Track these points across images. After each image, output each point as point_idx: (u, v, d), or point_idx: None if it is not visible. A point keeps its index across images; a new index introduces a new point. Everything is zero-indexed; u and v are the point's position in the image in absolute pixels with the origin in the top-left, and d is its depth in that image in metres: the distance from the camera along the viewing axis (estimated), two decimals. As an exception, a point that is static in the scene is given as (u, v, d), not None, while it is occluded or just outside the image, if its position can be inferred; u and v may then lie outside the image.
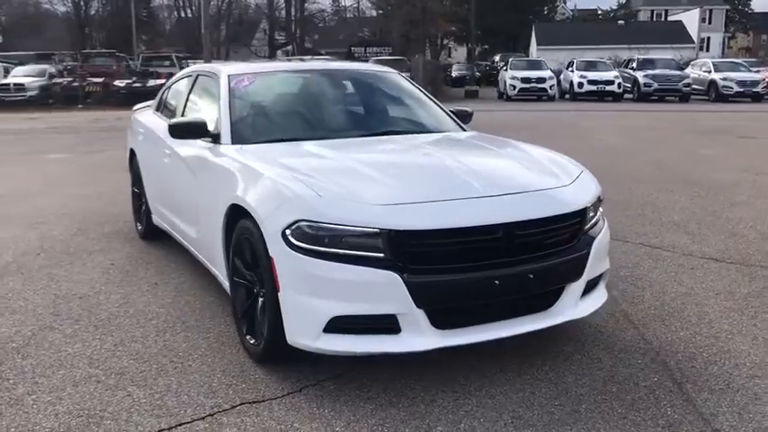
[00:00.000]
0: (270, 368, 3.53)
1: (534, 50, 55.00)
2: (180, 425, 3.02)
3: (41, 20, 67.45)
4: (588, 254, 3.53)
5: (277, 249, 3.21)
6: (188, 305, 4.50)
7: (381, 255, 3.09)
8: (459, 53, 63.11)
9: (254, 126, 4.42)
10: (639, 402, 3.19)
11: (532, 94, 27.56)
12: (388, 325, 3.14)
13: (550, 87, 27.75)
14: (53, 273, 5.25)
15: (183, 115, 5.08)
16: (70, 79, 31.13)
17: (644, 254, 5.61)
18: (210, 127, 4.31)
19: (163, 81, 29.91)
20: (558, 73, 30.64)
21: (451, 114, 4.96)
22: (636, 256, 5.53)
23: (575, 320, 3.65)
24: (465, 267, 3.19)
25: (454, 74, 42.66)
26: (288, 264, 3.18)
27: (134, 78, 30.73)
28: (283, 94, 4.88)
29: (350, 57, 39.30)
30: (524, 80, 27.59)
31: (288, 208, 3.23)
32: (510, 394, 3.27)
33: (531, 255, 3.33)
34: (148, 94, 28.95)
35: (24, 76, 31.87)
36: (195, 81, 5.15)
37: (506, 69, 29.37)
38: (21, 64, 34.34)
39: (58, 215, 7.29)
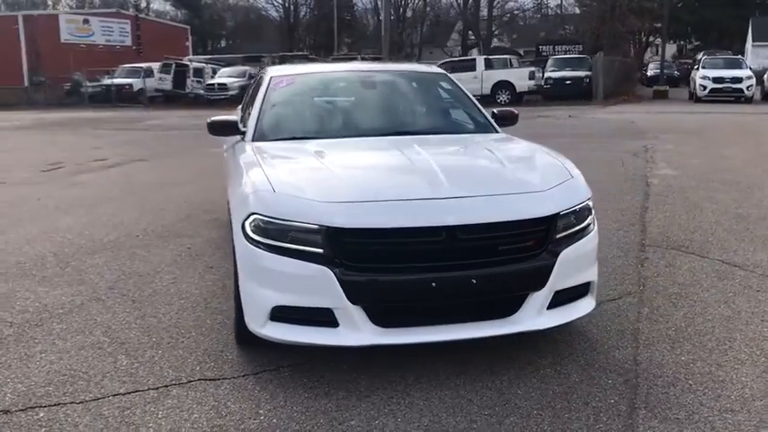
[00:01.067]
0: (245, 351, 3.77)
1: (750, 47, 50.33)
2: (135, 392, 3.37)
3: (260, 25, 73.59)
4: (553, 264, 3.37)
5: (238, 240, 3.46)
6: (222, 289, 4.87)
7: (321, 251, 3.22)
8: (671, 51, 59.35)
9: (275, 124, 4.69)
10: (574, 422, 3.03)
11: (726, 95, 25.30)
12: (326, 318, 3.26)
13: (747, 88, 25.31)
14: (136, 252, 5.90)
15: (243, 112, 5.48)
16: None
17: (714, 271, 5.15)
18: (242, 125, 4.66)
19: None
20: (762, 72, 27.92)
21: (486, 117, 4.89)
22: (703, 273, 5.10)
23: (553, 331, 3.55)
24: (401, 268, 3.22)
25: (649, 73, 40.51)
26: (245, 254, 3.41)
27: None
28: (311, 95, 5.12)
29: (537, 55, 38.55)
30: (716, 80, 25.41)
31: (247, 202, 3.46)
32: (447, 399, 3.25)
33: (477, 260, 3.26)
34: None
35: (228, 76, 34.97)
36: (258, 82, 5.53)
37: (698, 68, 27.25)
38: (228, 65, 37.65)
39: (181, 202, 8.08)
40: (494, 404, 3.20)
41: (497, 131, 4.80)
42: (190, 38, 49.99)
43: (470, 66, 27.92)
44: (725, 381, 3.40)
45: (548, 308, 3.47)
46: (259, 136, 4.53)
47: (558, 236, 3.45)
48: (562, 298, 3.52)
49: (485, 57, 30.03)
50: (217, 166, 10.99)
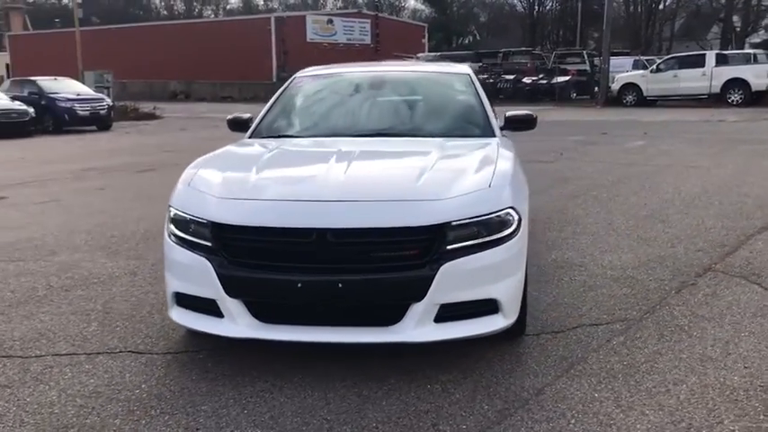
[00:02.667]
0: (190, 332, 4.09)
1: None
2: (71, 354, 3.85)
3: (506, 21, 73.84)
4: (432, 275, 3.24)
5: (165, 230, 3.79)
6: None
7: (209, 244, 3.44)
8: None
9: (274, 122, 4.93)
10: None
11: None
12: (212, 308, 3.47)
13: None
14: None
15: None
16: (485, 76, 33.69)
17: (761, 307, 4.47)
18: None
19: (568, 78, 30.45)
20: None
21: (489, 120, 4.69)
22: (741, 308, 4.43)
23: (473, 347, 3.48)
24: (272, 266, 3.32)
25: None
26: (164, 242, 3.74)
27: (541, 75, 31.85)
28: (319, 95, 5.26)
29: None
30: None
31: (173, 195, 3.78)
32: (309, 399, 3.29)
33: (346, 264, 3.26)
34: (550, 91, 29.96)
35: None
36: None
37: None
38: (455, 62, 38.25)
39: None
40: (353, 410, 3.17)
41: (493, 136, 4.59)
42: (426, 35, 51.57)
43: (698, 61, 25.52)
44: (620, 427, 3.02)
45: (435, 321, 3.33)
46: (255, 133, 4.82)
47: (448, 247, 3.29)
48: (454, 312, 3.36)
49: (717, 51, 27.27)
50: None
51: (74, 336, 4.12)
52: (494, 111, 4.94)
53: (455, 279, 3.28)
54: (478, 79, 5.11)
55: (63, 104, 20.80)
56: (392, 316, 3.33)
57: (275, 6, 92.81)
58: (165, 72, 43.94)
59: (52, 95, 21.08)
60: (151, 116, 26.54)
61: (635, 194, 8.32)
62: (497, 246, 3.41)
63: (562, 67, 32.29)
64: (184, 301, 3.57)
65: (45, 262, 5.75)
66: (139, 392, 3.38)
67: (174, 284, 3.58)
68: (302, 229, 3.28)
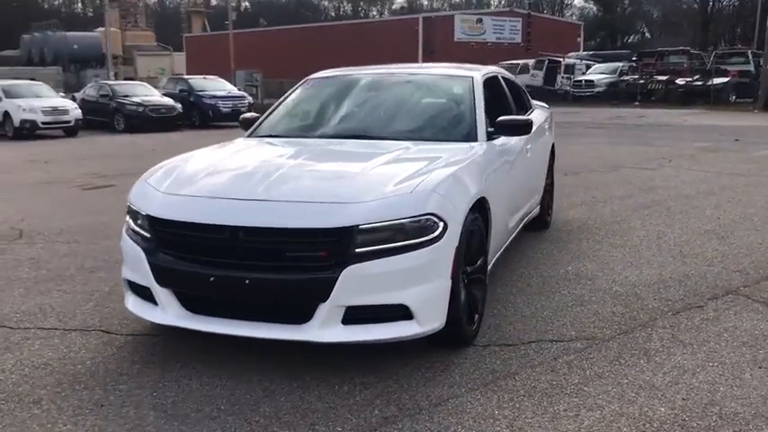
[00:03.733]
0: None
1: None
2: (51, 329, 4.25)
3: (676, 19, 69.84)
4: (335, 277, 3.28)
5: None
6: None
7: (148, 235, 3.70)
8: None
9: (271, 121, 5.10)
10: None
11: None
12: (149, 296, 3.72)
13: None
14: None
15: None
16: (636, 77, 32.13)
17: (744, 318, 4.09)
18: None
19: (727, 80, 28.32)
20: None
21: (475, 125, 4.57)
22: (732, 318, 4.06)
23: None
24: (191, 258, 3.51)
25: None
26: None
27: (696, 76, 29.87)
28: (317, 97, 5.34)
29: None
30: None
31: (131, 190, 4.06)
32: (203, 389, 3.44)
33: (255, 262, 3.37)
34: (706, 93, 27.94)
35: (598, 73, 34.26)
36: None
37: None
38: (604, 61, 36.83)
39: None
40: (249, 402, 3.29)
41: (474, 141, 4.48)
42: (582, 33, 49.84)
43: None
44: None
45: (343, 322, 3.36)
46: (253, 132, 5.03)
47: (357, 250, 3.31)
48: (363, 315, 3.37)
49: None
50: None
51: (66, 313, 4.53)
52: (500, 114, 4.81)
53: (360, 282, 3.29)
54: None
55: (208, 101, 22.35)
56: (303, 315, 3.39)
57: (438, 6, 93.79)
58: (314, 71, 45.56)
59: (199, 92, 22.74)
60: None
61: (715, 208, 7.68)
62: (412, 251, 3.37)
63: (723, 67, 30.01)
64: (134, 288, 3.84)
65: (94, 245, 6.31)
66: (80, 368, 3.68)
67: (126, 272, 3.86)
68: (217, 225, 3.42)
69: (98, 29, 65.63)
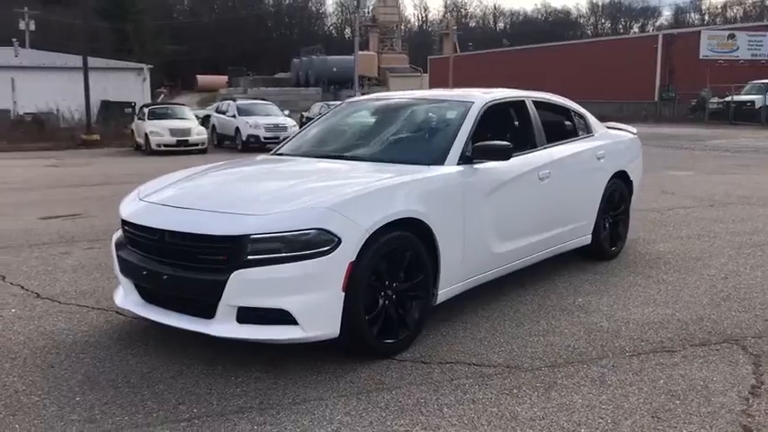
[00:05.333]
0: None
1: None
2: (57, 302, 5.17)
3: None
4: (225, 280, 3.73)
5: None
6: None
7: (121, 233, 4.46)
8: None
9: (292, 141, 5.62)
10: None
11: None
12: (119, 284, 4.48)
13: None
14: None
15: None
16: None
17: (721, 370, 3.78)
18: None
19: None
20: None
21: (451, 152, 4.68)
22: (705, 368, 3.81)
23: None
24: (137, 254, 4.19)
25: None
26: None
27: None
28: (336, 119, 5.70)
29: None
30: None
31: None
32: (114, 363, 4.08)
33: (173, 260, 3.95)
34: None
35: None
36: None
37: None
38: None
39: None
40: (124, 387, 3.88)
41: (441, 164, 4.62)
42: None
43: None
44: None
45: (238, 321, 3.79)
46: (276, 150, 5.62)
47: (249, 257, 3.73)
48: (255, 316, 3.76)
49: None
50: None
51: (82, 291, 5.42)
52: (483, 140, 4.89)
53: (246, 285, 3.70)
54: None
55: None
56: (210, 311, 3.87)
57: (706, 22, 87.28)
58: (554, 91, 45.09)
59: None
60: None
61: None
62: (297, 261, 3.70)
63: None
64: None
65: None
66: (70, 337, 4.50)
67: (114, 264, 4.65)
68: (152, 228, 4.05)
69: (358, 52, 71.26)
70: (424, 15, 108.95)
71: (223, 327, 3.79)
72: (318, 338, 3.80)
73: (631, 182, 6.61)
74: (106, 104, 33.65)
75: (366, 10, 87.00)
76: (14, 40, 40.73)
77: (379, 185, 4.14)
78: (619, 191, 6.46)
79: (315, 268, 3.70)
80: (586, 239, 6.06)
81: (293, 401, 3.56)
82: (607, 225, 6.37)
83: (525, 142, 5.42)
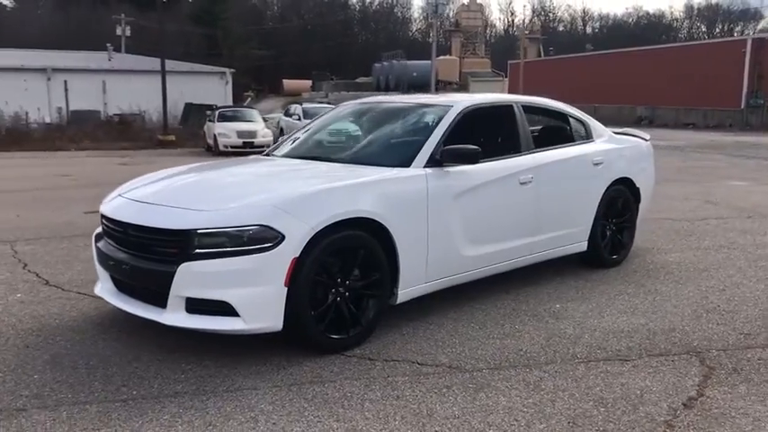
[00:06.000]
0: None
1: None
2: (53, 286, 5.56)
3: None
4: (174, 272, 3.95)
5: None
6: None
7: (101, 225, 4.77)
8: None
9: (281, 143, 5.82)
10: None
11: None
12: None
13: None
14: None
15: None
16: None
17: (663, 378, 3.75)
18: None
19: None
20: None
21: (420, 155, 4.75)
22: (641, 377, 3.79)
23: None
24: (109, 244, 4.47)
25: None
26: None
27: None
28: (324, 122, 5.84)
29: None
30: None
31: None
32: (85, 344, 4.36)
33: (133, 252, 4.21)
34: None
35: None
36: None
37: None
38: None
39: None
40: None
41: (407, 166, 4.70)
42: None
43: None
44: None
45: (187, 311, 4.00)
46: (268, 151, 5.83)
47: (196, 250, 3.94)
48: (202, 307, 3.96)
49: None
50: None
51: (88, 280, 5.59)
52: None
53: (191, 277, 3.90)
54: None
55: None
56: (163, 301, 4.09)
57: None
58: (633, 97, 44.08)
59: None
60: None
61: None
62: (239, 256, 3.88)
63: None
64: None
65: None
66: (31, 320, 4.79)
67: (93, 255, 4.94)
68: (119, 221, 4.32)
69: (439, 57, 71.37)
70: (510, 19, 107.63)
71: (174, 316, 4.00)
72: (260, 331, 3.97)
73: (638, 189, 6.47)
74: (189, 107, 34.95)
75: (449, 14, 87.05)
76: (109, 45, 42.86)
77: (331, 186, 4.28)
78: (622, 198, 6.35)
79: (257, 263, 3.87)
80: (581, 246, 5.99)
81: (228, 389, 3.74)
82: (608, 232, 6.26)
83: (508, 147, 5.43)
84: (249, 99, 59.65)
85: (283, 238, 3.90)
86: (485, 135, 5.28)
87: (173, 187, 4.59)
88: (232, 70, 41.52)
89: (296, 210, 4.00)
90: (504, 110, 5.57)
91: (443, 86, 67.77)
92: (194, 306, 3.96)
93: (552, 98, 6.40)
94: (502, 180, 5.14)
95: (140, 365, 4.06)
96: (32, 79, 35.02)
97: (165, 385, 3.79)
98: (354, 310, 4.29)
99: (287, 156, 5.46)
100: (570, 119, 6.15)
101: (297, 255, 3.94)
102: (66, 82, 35.07)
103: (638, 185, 6.46)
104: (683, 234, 7.94)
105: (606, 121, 6.67)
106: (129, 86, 36.20)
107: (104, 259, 4.46)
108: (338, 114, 6.03)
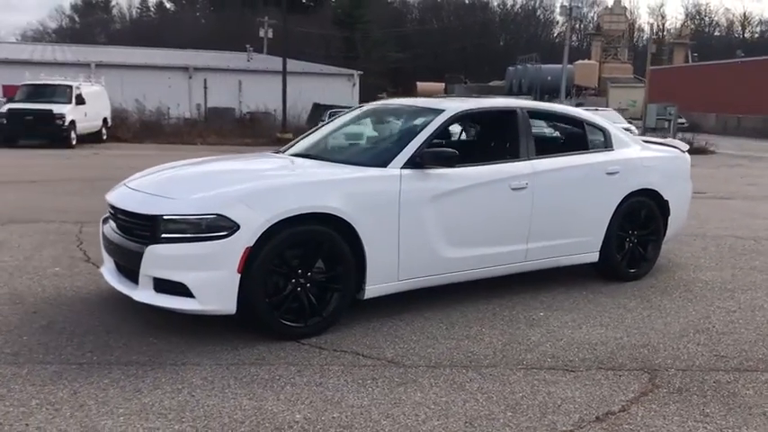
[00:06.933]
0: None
1: None
2: (47, 267, 6.13)
3: None
4: (142, 252, 4.34)
5: None
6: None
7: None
8: None
9: (296, 141, 6.11)
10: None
11: None
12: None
13: None
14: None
15: None
16: None
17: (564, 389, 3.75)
18: None
19: None
20: None
21: (398, 157, 4.85)
22: (545, 387, 3.81)
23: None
24: (111, 228, 4.94)
25: None
26: None
27: None
28: (333, 124, 6.01)
29: None
30: None
31: None
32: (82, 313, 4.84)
33: (121, 234, 4.65)
34: None
35: None
36: None
37: None
38: None
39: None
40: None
41: (384, 167, 4.83)
42: None
43: None
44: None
45: (155, 290, 4.39)
46: (281, 149, 6.15)
47: (162, 234, 4.31)
48: (166, 287, 4.33)
49: None
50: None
51: (67, 262, 6.29)
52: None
53: (156, 259, 4.28)
54: None
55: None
56: (137, 279, 4.49)
57: None
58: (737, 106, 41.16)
59: None
60: (702, 151, 26.05)
61: None
62: (199, 242, 4.22)
63: None
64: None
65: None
66: (53, 290, 5.38)
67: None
68: (113, 205, 4.78)
69: (577, 61, 69.51)
70: (660, 24, 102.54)
71: (143, 293, 4.39)
72: (215, 312, 4.29)
73: (666, 202, 6.21)
74: (316, 107, 36.29)
75: (591, 17, 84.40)
76: (248, 46, 45.26)
77: (297, 181, 4.54)
78: (646, 209, 6.13)
79: (212, 249, 4.19)
80: (591, 257, 5.86)
81: (174, 363, 4.07)
82: (627, 245, 6.07)
83: (504, 152, 5.43)
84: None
85: (238, 227, 4.18)
86: (479, 139, 5.32)
87: (163, 177, 4.99)
88: (359, 72, 42.62)
89: (253, 202, 4.28)
90: (503, 115, 5.57)
91: (579, 92, 65.91)
92: (160, 286, 4.32)
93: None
94: (489, 184, 5.16)
95: (114, 336, 4.48)
96: (175, 77, 37.68)
97: (124, 355, 4.17)
98: (314, 301, 4.49)
99: (292, 153, 5.75)
100: (587, 126, 6.01)
101: (250, 244, 4.21)
102: (205, 80, 37.43)
103: (666, 198, 6.20)
104: (738, 252, 7.48)
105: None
106: (263, 86, 38.02)
107: (104, 240, 4.94)
108: (350, 116, 6.24)
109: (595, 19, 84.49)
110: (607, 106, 54.40)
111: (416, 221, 4.81)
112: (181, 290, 4.26)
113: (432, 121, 5.17)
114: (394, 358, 4.23)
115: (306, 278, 4.46)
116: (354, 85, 41.85)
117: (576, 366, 4.16)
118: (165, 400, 3.58)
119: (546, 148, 5.65)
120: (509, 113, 5.59)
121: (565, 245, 5.66)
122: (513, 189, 5.26)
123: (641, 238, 6.15)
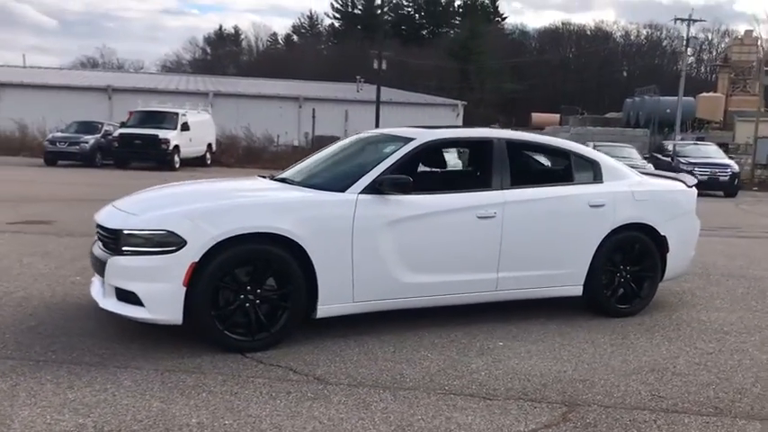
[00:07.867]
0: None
1: None
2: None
3: None
4: (105, 262, 4.75)
5: None
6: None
7: None
8: None
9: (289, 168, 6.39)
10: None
11: None
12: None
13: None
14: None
15: None
16: None
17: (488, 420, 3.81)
18: None
19: None
20: None
21: (359, 182, 5.02)
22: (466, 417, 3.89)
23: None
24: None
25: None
26: None
27: None
28: (323, 151, 6.22)
29: None
30: None
31: None
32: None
33: (101, 248, 5.08)
34: None
35: None
36: None
37: None
38: None
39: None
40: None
41: (342, 192, 5.01)
42: None
43: None
44: None
45: (117, 298, 4.79)
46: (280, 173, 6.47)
47: (124, 248, 4.68)
48: (123, 296, 4.70)
49: None
50: None
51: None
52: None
53: (116, 269, 4.67)
54: None
55: (684, 167, 21.83)
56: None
57: None
58: None
59: (680, 158, 22.38)
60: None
61: None
62: (148, 255, 4.60)
63: None
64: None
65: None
66: (62, 296, 5.93)
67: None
68: (97, 224, 5.23)
69: (702, 94, 66.43)
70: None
71: (108, 301, 4.80)
72: (163, 322, 4.62)
73: (663, 237, 6.01)
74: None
75: (719, 47, 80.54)
76: (359, 77, 46.53)
77: (249, 202, 4.83)
78: (639, 244, 5.96)
79: (161, 262, 4.54)
80: (574, 290, 5.77)
81: (118, 365, 4.42)
82: (618, 280, 5.93)
83: (474, 181, 5.50)
84: (494, 132, 60.42)
85: (186, 243, 4.51)
86: (451, 168, 5.41)
87: (143, 197, 5.42)
88: (464, 102, 42.81)
89: (202, 220, 4.60)
90: (478, 145, 5.63)
91: (701, 125, 62.95)
92: (120, 294, 4.71)
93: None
94: (453, 212, 5.23)
95: (83, 339, 4.90)
96: (287, 106, 39.46)
97: (81, 356, 4.57)
98: (263, 317, 4.73)
99: (278, 178, 6.02)
100: (573, 158, 5.93)
101: (196, 260, 4.52)
102: (314, 110, 38.89)
103: (663, 233, 6.00)
104: (757, 293, 7.07)
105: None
106: (369, 115, 39.01)
107: (92, 257, 5.39)
108: (340, 144, 6.48)
109: (722, 49, 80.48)
110: (732, 140, 51.68)
111: (372, 245, 4.96)
112: (133, 299, 4.63)
113: (399, 149, 5.32)
114: (322, 376, 4.38)
115: (255, 295, 4.71)
116: (458, 115, 42.11)
117: (497, 395, 4.15)
118: (87, 397, 3.91)
119: (524, 178, 5.64)
120: (484, 143, 5.64)
121: (542, 276, 5.61)
122: (480, 217, 5.30)
123: (635, 275, 5.98)
